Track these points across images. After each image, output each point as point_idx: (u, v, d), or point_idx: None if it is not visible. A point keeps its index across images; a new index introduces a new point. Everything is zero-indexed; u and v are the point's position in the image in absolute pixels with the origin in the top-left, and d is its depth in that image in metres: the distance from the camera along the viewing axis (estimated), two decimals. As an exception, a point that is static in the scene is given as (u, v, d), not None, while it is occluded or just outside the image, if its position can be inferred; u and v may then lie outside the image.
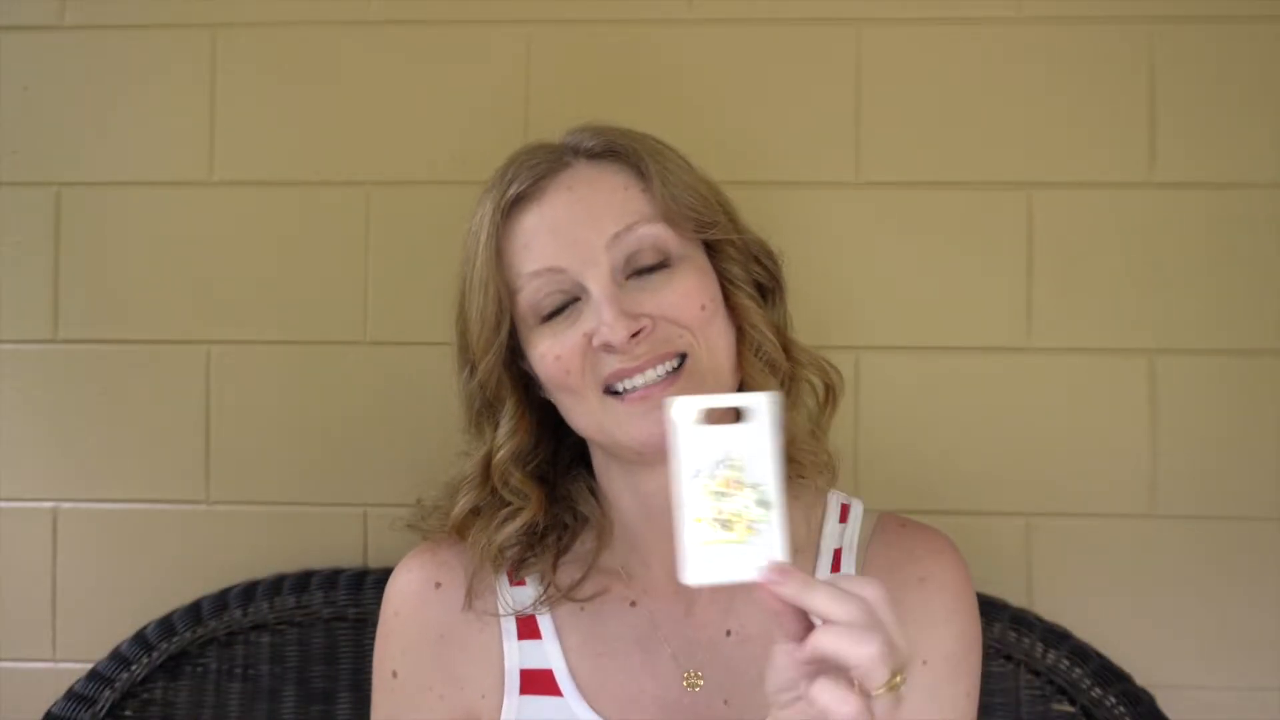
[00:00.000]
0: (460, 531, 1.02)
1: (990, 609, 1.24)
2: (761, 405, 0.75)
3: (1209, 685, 1.28)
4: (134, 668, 1.26)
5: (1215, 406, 1.29)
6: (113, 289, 1.36)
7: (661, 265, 0.95)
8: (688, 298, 0.94)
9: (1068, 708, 1.22)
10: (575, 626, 1.01)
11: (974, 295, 1.31)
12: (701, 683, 0.98)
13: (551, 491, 1.02)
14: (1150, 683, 1.23)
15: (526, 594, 1.02)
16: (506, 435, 0.99)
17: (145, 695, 1.27)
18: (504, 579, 1.02)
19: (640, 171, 0.96)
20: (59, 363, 1.36)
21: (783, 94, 1.33)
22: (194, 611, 1.29)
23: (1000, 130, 1.31)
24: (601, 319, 0.91)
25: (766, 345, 0.98)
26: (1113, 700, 1.21)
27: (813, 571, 1.00)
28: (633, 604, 1.01)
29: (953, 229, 1.31)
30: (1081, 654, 1.23)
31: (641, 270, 0.95)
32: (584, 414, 0.96)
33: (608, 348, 0.92)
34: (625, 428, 0.93)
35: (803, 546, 1.01)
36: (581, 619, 1.01)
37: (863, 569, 1.00)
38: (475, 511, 1.01)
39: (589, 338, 0.93)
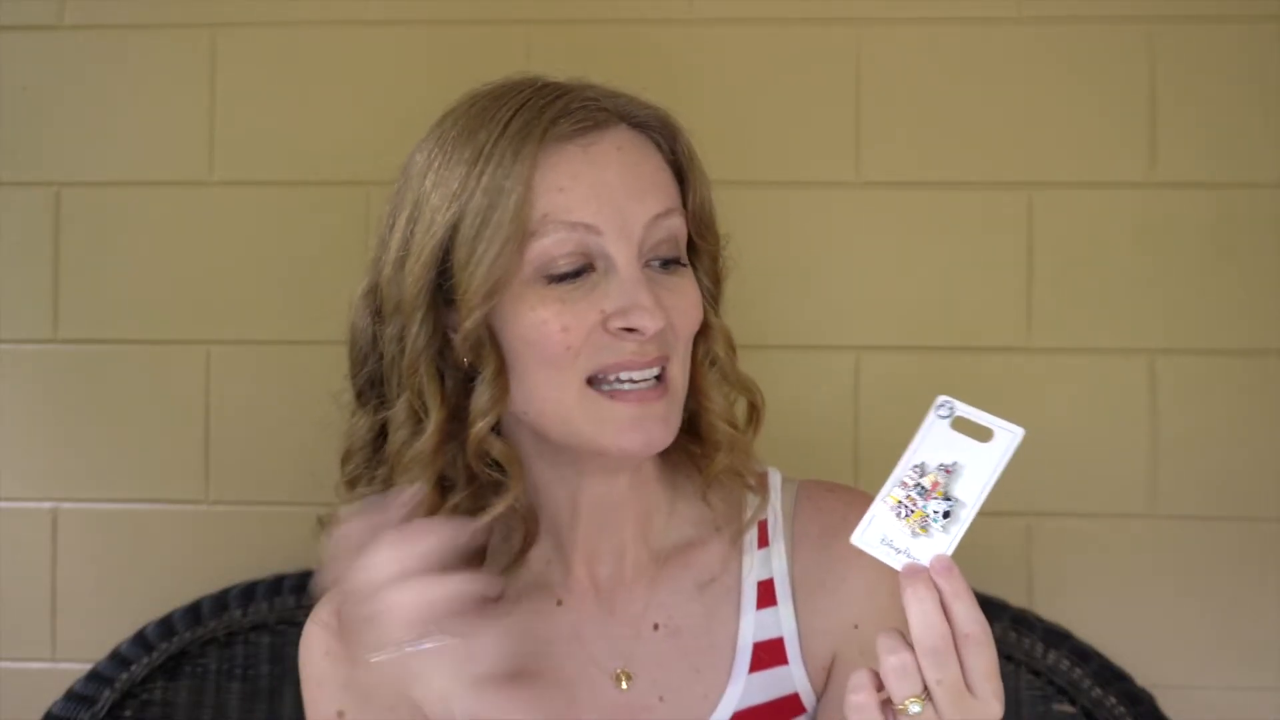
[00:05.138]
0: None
1: (990, 609, 1.24)
2: (1009, 440, 0.78)
3: (1209, 685, 1.28)
4: (134, 668, 1.26)
5: (1215, 406, 1.29)
6: (113, 289, 1.36)
7: (674, 262, 0.88)
8: (696, 309, 0.88)
9: (1068, 708, 1.22)
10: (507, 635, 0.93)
11: (974, 295, 1.31)
12: (633, 680, 0.93)
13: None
14: (1150, 683, 1.23)
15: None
16: (491, 402, 0.85)
17: (145, 695, 1.27)
18: None
19: (675, 158, 0.90)
20: (59, 363, 1.36)
21: (783, 94, 1.33)
22: (194, 612, 1.29)
23: (1000, 130, 1.31)
24: (638, 302, 0.83)
25: (723, 361, 0.93)
26: (1113, 700, 1.21)
27: (740, 547, 0.95)
28: (559, 603, 0.94)
29: (953, 229, 1.31)
30: (1082, 654, 1.23)
31: (657, 261, 0.87)
32: (554, 399, 0.85)
33: (634, 333, 0.83)
34: (612, 431, 0.84)
35: (723, 525, 0.96)
36: (511, 626, 0.93)
37: (795, 537, 0.95)
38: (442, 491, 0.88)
39: (605, 316, 0.83)
